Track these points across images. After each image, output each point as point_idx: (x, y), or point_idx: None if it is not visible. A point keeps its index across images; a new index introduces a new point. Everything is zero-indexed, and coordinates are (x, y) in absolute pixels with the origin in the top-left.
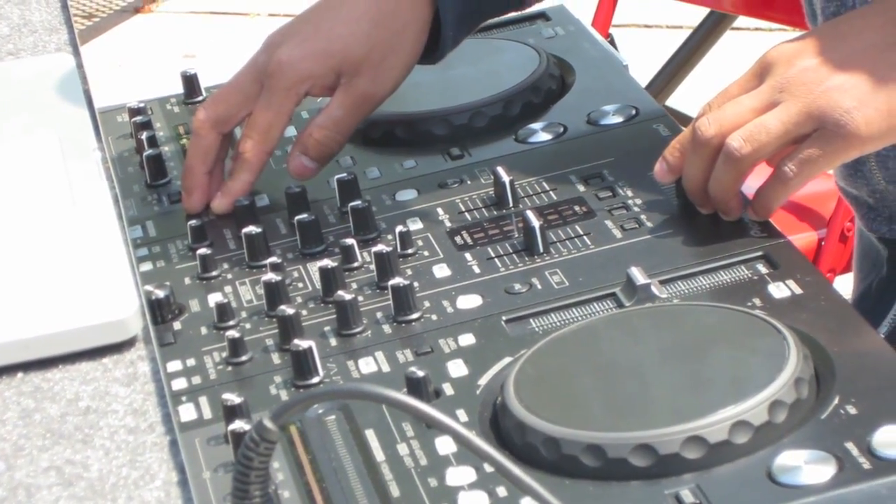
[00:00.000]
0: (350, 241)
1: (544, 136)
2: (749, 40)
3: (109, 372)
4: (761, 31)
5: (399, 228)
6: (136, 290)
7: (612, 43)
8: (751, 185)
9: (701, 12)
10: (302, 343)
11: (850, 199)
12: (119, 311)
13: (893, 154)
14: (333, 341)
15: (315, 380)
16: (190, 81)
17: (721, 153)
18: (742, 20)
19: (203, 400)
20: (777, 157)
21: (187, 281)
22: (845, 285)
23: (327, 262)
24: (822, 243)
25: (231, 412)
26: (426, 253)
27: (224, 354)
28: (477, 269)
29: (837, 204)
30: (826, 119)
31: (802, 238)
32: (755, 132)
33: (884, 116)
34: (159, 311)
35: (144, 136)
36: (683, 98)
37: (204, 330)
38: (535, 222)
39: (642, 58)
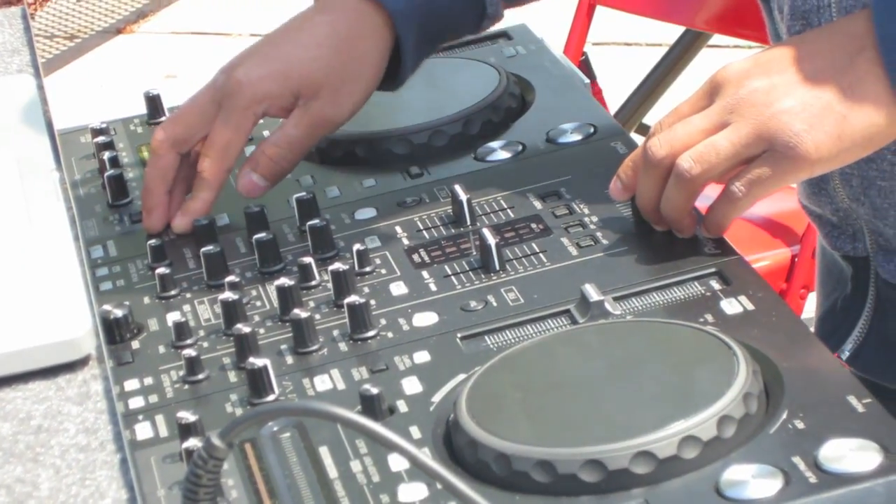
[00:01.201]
0: (308, 259)
1: (503, 155)
2: (726, 57)
3: (62, 391)
4: (739, 48)
5: (356, 247)
6: (90, 309)
7: (587, 63)
8: (707, 200)
9: (679, 30)
10: (258, 361)
11: (814, 218)
12: (72, 330)
13: (857, 173)
14: (290, 359)
15: (271, 397)
16: (153, 101)
17: (672, 174)
18: (719, 37)
19: (159, 418)
20: (727, 177)
21: (146, 300)
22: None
23: (284, 281)
24: (796, 260)
25: (186, 430)
26: (384, 271)
27: (181, 373)
28: (434, 287)
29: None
30: (776, 141)
31: (775, 255)
32: (705, 153)
33: (833, 140)
34: (118, 331)
35: (106, 156)
36: (661, 115)
37: (162, 349)
38: (492, 240)
39: (622, 75)
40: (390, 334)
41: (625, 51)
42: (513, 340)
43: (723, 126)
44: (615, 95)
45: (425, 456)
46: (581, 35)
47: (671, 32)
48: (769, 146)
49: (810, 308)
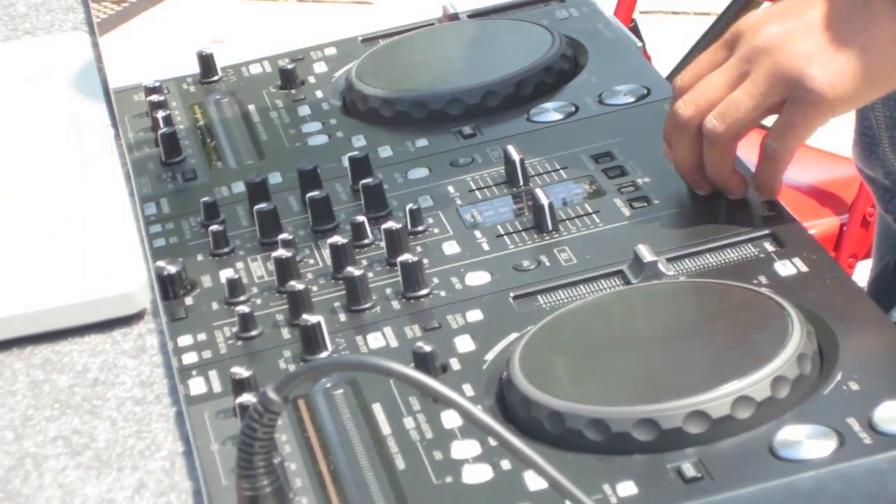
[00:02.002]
0: (361, 218)
1: (555, 116)
2: None
3: (118, 344)
4: None
5: (409, 206)
6: (145, 264)
7: (636, 29)
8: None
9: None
10: (311, 318)
11: (869, 182)
12: (128, 284)
13: None
14: (342, 317)
15: (323, 354)
16: (206, 61)
17: (703, 137)
18: (767, 6)
19: (213, 374)
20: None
21: (199, 257)
22: (866, 270)
23: (338, 239)
24: (844, 229)
25: (240, 386)
26: (436, 230)
27: (234, 329)
28: (486, 247)
29: (859, 189)
30: (793, 85)
31: (824, 223)
32: (727, 111)
33: (848, 79)
34: (171, 287)
35: (160, 114)
36: None
37: (215, 305)
38: (545, 200)
39: (669, 44)
40: (443, 293)
41: (672, 19)
42: (565, 300)
43: (743, 77)
44: (663, 64)
45: (481, 412)
46: (630, 2)
47: (719, 1)
48: (788, 91)
49: (858, 277)
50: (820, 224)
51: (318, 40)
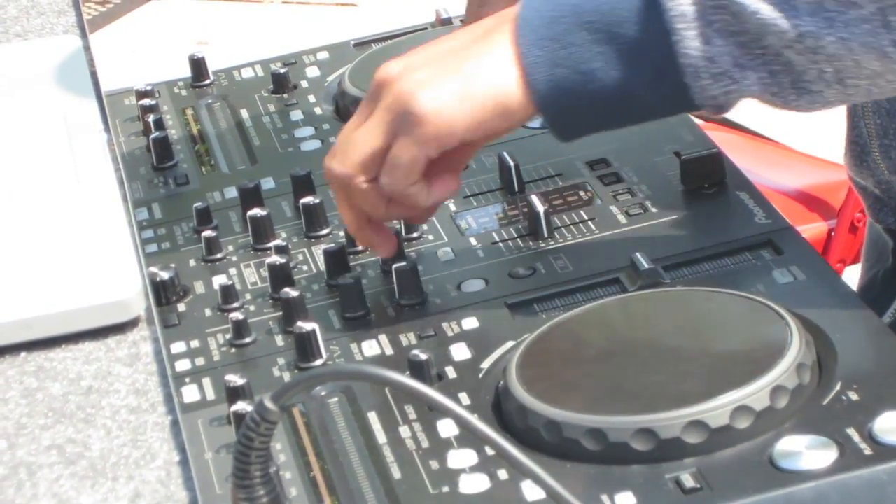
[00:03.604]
0: None
1: None
2: None
3: (112, 352)
4: None
5: None
6: (140, 271)
7: None
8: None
9: None
10: (305, 325)
11: (860, 190)
12: (122, 291)
13: (895, 144)
14: (337, 324)
15: (318, 362)
16: (198, 65)
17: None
18: None
19: (206, 381)
20: None
21: (192, 263)
22: (855, 276)
23: (332, 246)
24: (832, 234)
25: (234, 393)
26: (431, 237)
27: (228, 336)
28: (481, 254)
29: (847, 194)
30: (399, 108)
31: (812, 228)
32: (342, 149)
33: (458, 100)
34: (164, 293)
35: (151, 118)
36: None
37: (208, 312)
38: (540, 207)
39: None
40: (438, 300)
41: None
42: (562, 308)
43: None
44: None
45: (480, 422)
46: None
47: None
48: (398, 116)
49: (847, 281)
50: (808, 229)
51: (302, 42)
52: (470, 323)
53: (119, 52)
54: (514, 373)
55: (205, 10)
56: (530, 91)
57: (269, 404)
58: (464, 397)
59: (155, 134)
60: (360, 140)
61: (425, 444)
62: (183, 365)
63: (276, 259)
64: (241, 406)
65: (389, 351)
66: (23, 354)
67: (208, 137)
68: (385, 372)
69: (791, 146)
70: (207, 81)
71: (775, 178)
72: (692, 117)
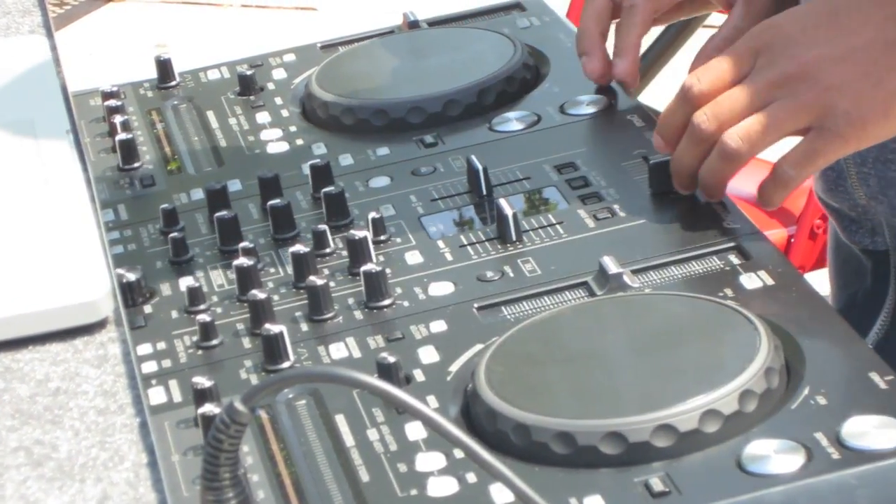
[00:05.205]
0: (322, 226)
1: (518, 126)
2: None
3: (80, 353)
4: None
5: (372, 215)
6: (108, 272)
7: None
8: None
9: None
10: (273, 327)
11: (831, 212)
12: (90, 292)
13: (874, 171)
14: (304, 326)
15: (286, 364)
16: (164, 66)
17: (717, 148)
18: (714, 18)
19: (173, 383)
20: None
21: (159, 265)
22: (813, 281)
23: (299, 248)
24: (792, 240)
25: (201, 395)
26: (398, 240)
27: (195, 338)
28: (449, 257)
29: (807, 201)
30: (823, 119)
31: (772, 234)
32: (751, 133)
33: (879, 117)
34: (130, 295)
35: (117, 119)
36: (655, 94)
37: (175, 314)
38: (509, 210)
39: None
40: (406, 303)
41: None
42: (530, 311)
43: (769, 99)
44: None
45: (452, 425)
46: (580, 11)
47: None
48: (816, 121)
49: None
50: (768, 235)
51: (262, 46)
52: (438, 326)
53: (77, 55)
54: (482, 376)
55: (163, 13)
56: None
57: (239, 406)
58: (432, 400)
59: (121, 135)
60: (741, 104)
61: (393, 446)
62: (150, 367)
63: (243, 261)
64: (209, 408)
65: (357, 354)
66: None
67: (174, 139)
68: (356, 374)
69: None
70: (173, 83)
71: (736, 184)
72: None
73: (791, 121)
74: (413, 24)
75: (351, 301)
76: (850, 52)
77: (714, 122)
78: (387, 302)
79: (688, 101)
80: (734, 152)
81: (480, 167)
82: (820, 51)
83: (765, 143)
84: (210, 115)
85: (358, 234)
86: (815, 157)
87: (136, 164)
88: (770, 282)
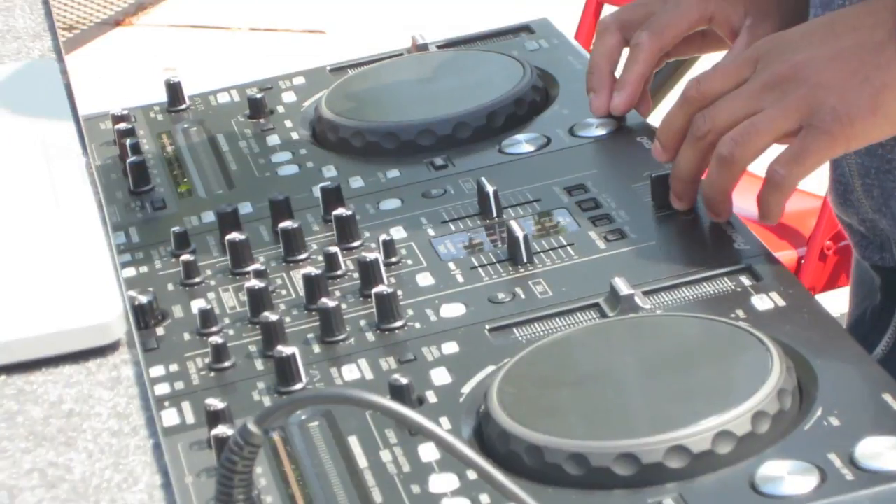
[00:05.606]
0: (334, 248)
1: (527, 148)
2: None
3: (93, 375)
4: None
5: (383, 237)
6: (121, 294)
7: None
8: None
9: None
10: (285, 349)
11: (846, 227)
12: (103, 314)
13: (878, 183)
14: (317, 348)
15: (298, 386)
16: (174, 89)
17: (714, 157)
18: None
19: (186, 405)
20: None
21: (170, 287)
22: (824, 303)
23: (311, 270)
24: (802, 261)
25: (214, 417)
26: (410, 262)
27: (207, 360)
28: (461, 279)
29: (817, 222)
30: (811, 117)
31: (782, 256)
32: (745, 136)
33: (868, 114)
34: (142, 317)
35: (128, 143)
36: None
37: (187, 336)
38: (520, 232)
39: None
40: (418, 325)
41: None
42: (541, 333)
43: (762, 102)
44: None
45: (463, 445)
46: (589, 33)
47: None
48: (805, 121)
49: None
50: (778, 257)
51: (272, 69)
52: (450, 347)
53: (87, 78)
54: (494, 397)
55: (172, 37)
56: None
57: (252, 428)
58: (444, 422)
59: (132, 158)
60: (737, 107)
61: (406, 468)
62: (162, 388)
63: (255, 283)
64: (222, 430)
65: (370, 375)
66: (2, 377)
67: (185, 162)
68: (369, 396)
69: (762, 174)
70: (183, 106)
71: (745, 205)
72: None
73: (781, 120)
74: (422, 48)
75: (363, 323)
76: (839, 52)
77: (709, 122)
78: (398, 324)
79: (688, 104)
80: (729, 157)
81: (491, 189)
82: (811, 52)
83: (758, 145)
84: (220, 137)
85: (369, 256)
86: (804, 156)
87: (147, 187)
88: (781, 303)
